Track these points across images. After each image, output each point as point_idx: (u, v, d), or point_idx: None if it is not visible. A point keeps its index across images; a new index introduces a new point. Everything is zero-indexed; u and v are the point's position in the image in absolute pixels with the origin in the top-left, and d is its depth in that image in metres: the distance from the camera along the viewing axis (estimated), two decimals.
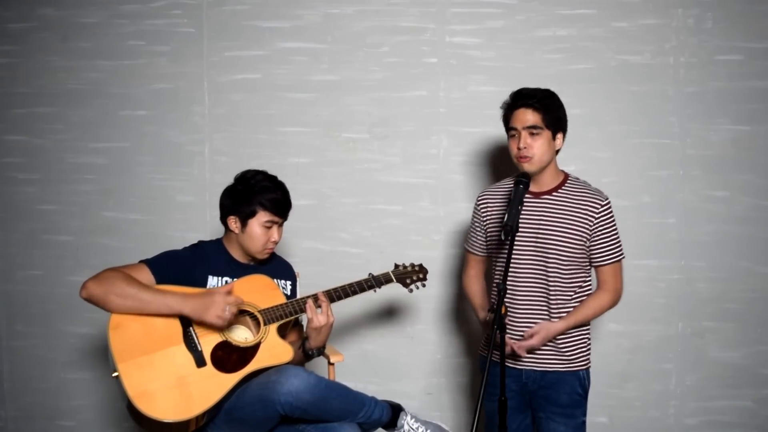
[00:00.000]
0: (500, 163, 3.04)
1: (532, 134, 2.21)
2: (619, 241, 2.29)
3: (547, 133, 2.22)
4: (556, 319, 2.26)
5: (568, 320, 2.25)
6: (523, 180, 2.19)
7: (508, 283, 2.26)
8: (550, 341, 2.27)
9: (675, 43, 3.01)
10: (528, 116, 2.21)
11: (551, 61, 3.02)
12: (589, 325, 2.34)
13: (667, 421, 3.05)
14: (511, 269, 2.26)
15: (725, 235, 3.01)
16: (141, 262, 2.21)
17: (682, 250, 3.02)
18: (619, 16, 3.01)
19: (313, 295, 2.26)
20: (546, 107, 2.22)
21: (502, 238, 2.09)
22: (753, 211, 3.01)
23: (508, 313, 2.28)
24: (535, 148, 2.21)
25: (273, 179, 2.33)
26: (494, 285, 2.02)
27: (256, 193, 2.26)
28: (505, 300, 2.28)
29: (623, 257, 2.31)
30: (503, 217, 2.19)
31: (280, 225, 2.33)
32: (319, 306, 2.24)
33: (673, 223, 3.02)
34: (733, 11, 2.99)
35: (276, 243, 2.32)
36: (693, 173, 3.02)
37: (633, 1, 3.01)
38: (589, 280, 2.33)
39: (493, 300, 2.34)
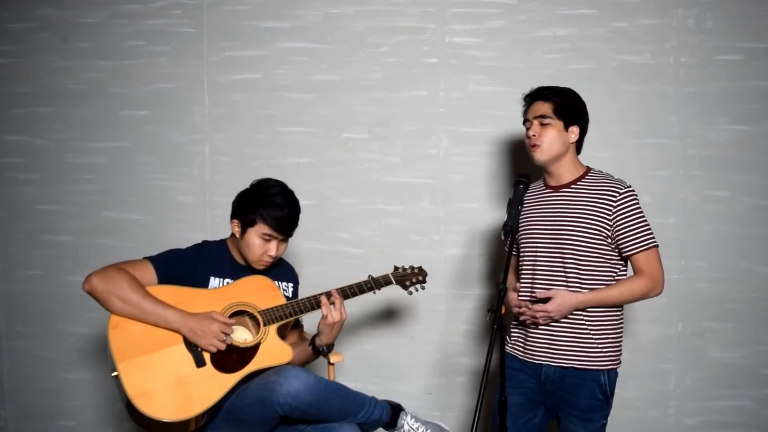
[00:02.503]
0: (500, 163, 3.04)
1: (542, 123, 2.24)
2: (647, 229, 2.19)
3: (558, 123, 2.24)
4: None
5: (590, 295, 2.17)
6: (523, 180, 2.20)
7: (528, 278, 2.28)
8: (572, 331, 2.20)
9: (675, 43, 3.01)
10: (539, 106, 2.26)
11: (551, 61, 3.02)
12: (619, 322, 2.25)
13: (667, 421, 3.05)
14: (530, 264, 2.26)
15: (725, 235, 3.01)
16: (145, 258, 2.21)
17: (682, 250, 3.02)
18: (619, 16, 3.01)
19: (326, 292, 2.26)
20: (558, 98, 2.25)
21: (502, 238, 2.09)
22: (753, 211, 3.01)
23: (523, 303, 2.24)
24: (544, 137, 2.23)
25: (287, 195, 2.27)
26: (497, 284, 1.99)
27: (262, 205, 2.22)
28: (526, 294, 2.28)
29: (656, 245, 2.20)
30: (520, 217, 2.17)
31: (282, 241, 2.29)
32: (332, 303, 2.24)
33: (673, 223, 3.02)
34: (733, 11, 2.99)
35: (273, 257, 2.27)
36: (693, 173, 3.01)
37: (633, 1, 3.01)
38: (620, 277, 2.24)
39: (524, 290, 2.30)
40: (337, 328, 2.27)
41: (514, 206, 2.12)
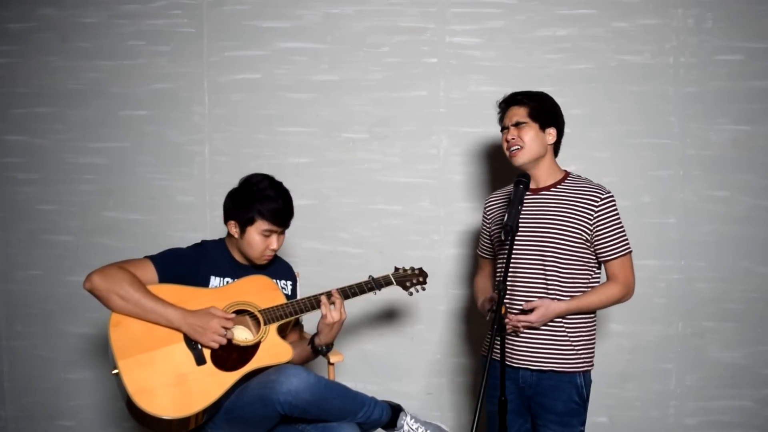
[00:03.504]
0: (500, 163, 3.03)
1: (520, 128, 2.28)
2: (624, 236, 2.27)
3: (533, 125, 2.28)
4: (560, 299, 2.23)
5: (571, 303, 2.22)
6: (523, 180, 2.20)
7: (507, 281, 2.29)
8: (550, 335, 2.24)
9: (675, 43, 3.01)
10: (515, 111, 2.30)
11: (551, 61, 3.02)
12: (593, 325, 2.31)
13: (667, 421, 3.05)
14: (510, 267, 2.27)
15: (725, 235, 3.01)
16: (146, 257, 2.21)
17: (682, 250, 3.02)
18: (619, 16, 3.01)
19: (327, 292, 2.27)
20: (532, 102, 2.29)
21: (502, 238, 2.10)
22: (753, 211, 3.01)
23: (507, 312, 2.27)
24: (523, 138, 2.26)
25: (277, 187, 2.29)
26: (495, 285, 2.00)
27: (257, 201, 2.24)
28: (505, 299, 2.29)
29: (630, 251, 2.28)
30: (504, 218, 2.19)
31: (281, 233, 2.30)
32: (333, 303, 2.25)
33: (673, 223, 3.02)
34: (733, 11, 3.00)
35: (275, 251, 2.30)
36: (693, 173, 3.02)
37: (633, 1, 3.02)
38: (595, 279, 2.30)
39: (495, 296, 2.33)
40: (337, 328, 2.27)
41: (514, 206, 2.12)
